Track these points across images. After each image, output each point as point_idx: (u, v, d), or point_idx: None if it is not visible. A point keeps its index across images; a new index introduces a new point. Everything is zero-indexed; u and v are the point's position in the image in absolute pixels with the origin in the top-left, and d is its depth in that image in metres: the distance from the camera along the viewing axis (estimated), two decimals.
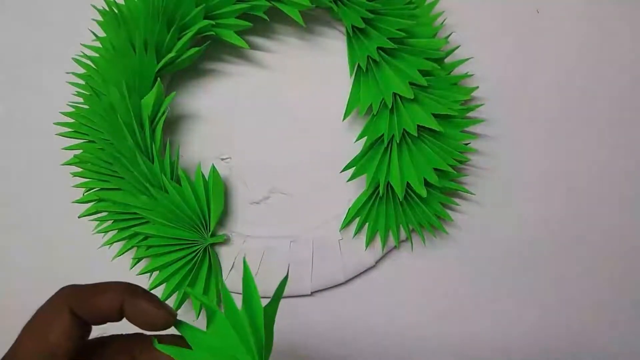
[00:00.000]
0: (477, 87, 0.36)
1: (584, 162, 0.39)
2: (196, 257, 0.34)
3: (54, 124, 0.35)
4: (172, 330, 0.21)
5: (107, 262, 0.36)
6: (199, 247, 0.34)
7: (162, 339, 0.21)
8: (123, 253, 0.35)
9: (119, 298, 0.20)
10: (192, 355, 0.21)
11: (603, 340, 0.39)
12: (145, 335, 0.22)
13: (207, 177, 0.35)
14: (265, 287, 0.37)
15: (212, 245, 0.36)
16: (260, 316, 0.21)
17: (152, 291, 0.22)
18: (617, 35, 0.40)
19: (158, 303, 0.20)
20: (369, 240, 0.37)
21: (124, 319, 0.20)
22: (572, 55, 0.40)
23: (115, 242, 0.35)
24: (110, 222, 0.35)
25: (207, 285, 0.35)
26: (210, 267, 0.35)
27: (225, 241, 0.37)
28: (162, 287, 0.34)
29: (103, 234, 0.35)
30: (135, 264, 0.35)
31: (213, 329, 0.21)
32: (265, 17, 0.35)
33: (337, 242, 0.37)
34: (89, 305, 0.20)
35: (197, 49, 0.34)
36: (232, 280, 0.36)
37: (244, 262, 0.22)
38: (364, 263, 0.38)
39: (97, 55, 0.34)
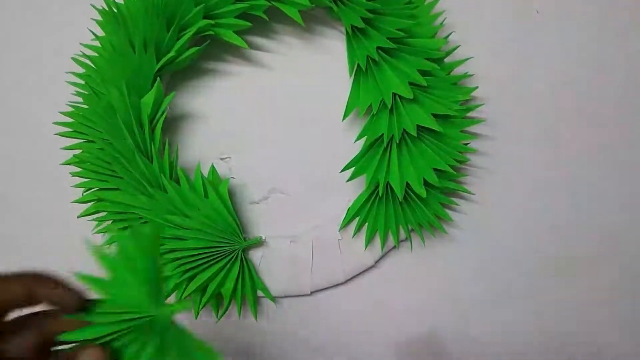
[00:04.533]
0: (477, 87, 0.36)
1: (584, 162, 0.39)
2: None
3: (53, 124, 0.34)
4: None
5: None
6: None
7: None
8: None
9: (24, 282, 0.21)
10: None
11: (603, 341, 0.39)
12: (51, 310, 0.22)
13: (206, 177, 0.35)
14: (265, 287, 0.37)
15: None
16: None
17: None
18: (617, 35, 0.40)
19: (66, 286, 0.22)
20: (369, 240, 0.37)
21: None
22: (572, 55, 0.40)
23: (115, 242, 0.35)
24: (109, 222, 0.35)
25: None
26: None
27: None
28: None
29: (102, 233, 0.35)
30: None
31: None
32: (265, 17, 0.35)
33: (337, 242, 0.37)
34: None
35: (196, 48, 0.34)
36: None
37: None
38: (363, 263, 0.38)
39: (96, 54, 0.34)
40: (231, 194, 0.38)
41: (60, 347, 0.22)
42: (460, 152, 0.35)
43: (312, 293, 0.38)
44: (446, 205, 0.38)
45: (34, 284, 0.21)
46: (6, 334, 0.21)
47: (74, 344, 0.22)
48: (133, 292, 0.22)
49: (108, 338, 0.22)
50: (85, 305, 0.22)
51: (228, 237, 0.34)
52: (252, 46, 0.38)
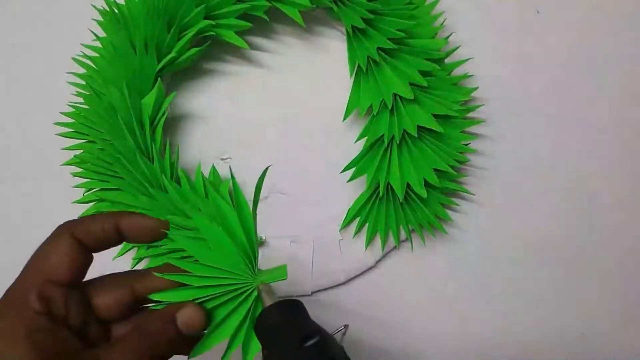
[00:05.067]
0: (477, 87, 0.36)
1: (584, 162, 0.40)
2: None
3: (54, 124, 0.35)
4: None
5: (108, 262, 0.36)
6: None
7: (157, 270, 0.23)
8: (124, 253, 0.35)
9: (112, 217, 0.22)
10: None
11: (605, 340, 0.40)
12: (141, 269, 0.24)
13: (207, 177, 0.35)
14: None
15: None
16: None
17: None
18: (617, 35, 0.40)
19: (148, 216, 0.23)
20: (369, 241, 0.37)
21: None
22: (572, 55, 0.40)
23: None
24: None
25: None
26: None
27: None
28: None
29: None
30: (136, 264, 0.35)
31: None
32: (266, 18, 0.35)
33: (337, 242, 0.37)
34: (87, 226, 0.22)
35: (197, 49, 0.34)
36: None
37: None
38: (364, 263, 0.38)
39: (97, 55, 0.34)
40: (232, 194, 0.38)
41: (150, 305, 0.23)
42: (460, 153, 0.35)
43: (312, 293, 0.38)
44: (446, 206, 0.38)
45: (118, 217, 0.22)
46: (98, 290, 0.22)
47: (165, 303, 0.23)
48: (229, 257, 0.23)
49: (201, 300, 0.22)
50: (164, 235, 0.24)
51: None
52: (252, 46, 0.38)
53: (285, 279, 0.23)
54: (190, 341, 0.22)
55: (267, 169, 0.24)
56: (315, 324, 0.21)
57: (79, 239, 0.21)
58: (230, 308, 0.23)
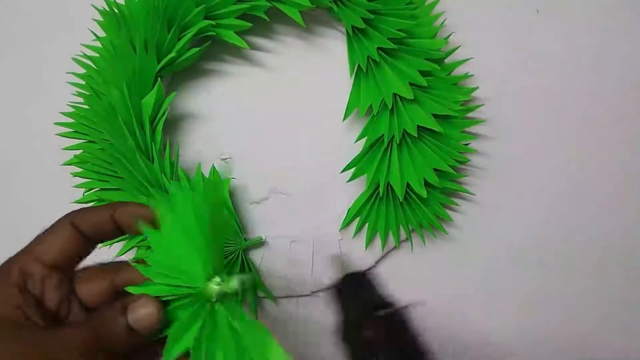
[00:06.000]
0: (477, 87, 0.36)
1: (584, 162, 0.40)
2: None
3: (54, 124, 0.35)
4: None
5: None
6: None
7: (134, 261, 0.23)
8: (123, 253, 0.35)
9: (110, 207, 0.23)
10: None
11: (605, 341, 0.40)
12: (123, 261, 0.24)
13: (207, 177, 0.35)
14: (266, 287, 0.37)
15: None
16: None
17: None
18: (617, 35, 0.40)
19: (146, 205, 0.23)
20: (369, 241, 0.37)
21: None
22: (572, 55, 0.40)
23: (116, 242, 0.35)
24: None
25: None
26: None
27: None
28: None
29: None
30: None
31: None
32: (266, 18, 0.35)
33: (337, 242, 0.37)
34: (86, 215, 0.22)
35: (197, 49, 0.34)
36: None
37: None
38: (364, 263, 0.38)
39: (97, 55, 0.34)
40: (232, 194, 0.38)
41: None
42: (460, 153, 0.35)
43: (312, 293, 0.38)
44: (446, 206, 0.38)
45: (115, 206, 0.23)
46: (83, 279, 0.23)
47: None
48: (184, 256, 0.21)
49: (167, 298, 0.21)
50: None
51: (229, 238, 0.34)
52: (252, 47, 0.38)
53: (232, 289, 0.20)
54: (156, 345, 0.20)
55: (226, 160, 0.23)
56: (386, 296, 0.21)
57: (78, 228, 0.22)
58: (187, 313, 0.20)
